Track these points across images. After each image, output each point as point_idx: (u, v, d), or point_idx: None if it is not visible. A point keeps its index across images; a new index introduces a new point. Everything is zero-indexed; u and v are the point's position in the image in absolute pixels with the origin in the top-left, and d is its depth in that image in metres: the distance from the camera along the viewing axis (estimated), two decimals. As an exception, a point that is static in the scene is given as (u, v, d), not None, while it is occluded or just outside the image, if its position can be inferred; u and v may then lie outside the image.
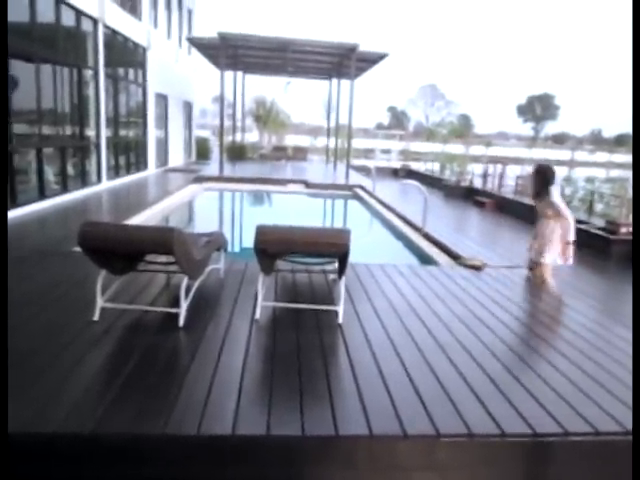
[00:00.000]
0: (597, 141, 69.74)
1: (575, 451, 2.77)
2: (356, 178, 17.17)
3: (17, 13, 8.17)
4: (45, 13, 9.19)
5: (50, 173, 9.67)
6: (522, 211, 13.07)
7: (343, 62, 18.38)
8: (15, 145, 8.15)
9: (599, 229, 9.02)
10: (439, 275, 5.82)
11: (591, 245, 8.82)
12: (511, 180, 15.58)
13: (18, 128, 8.28)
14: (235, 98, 24.15)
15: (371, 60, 17.96)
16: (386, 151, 34.70)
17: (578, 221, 10.28)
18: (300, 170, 19.42)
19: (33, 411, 2.61)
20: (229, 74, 21.32)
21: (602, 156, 49.96)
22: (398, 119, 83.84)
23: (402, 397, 2.96)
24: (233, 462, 2.57)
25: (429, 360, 3.50)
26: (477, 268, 6.18)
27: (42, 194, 9.11)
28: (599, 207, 12.74)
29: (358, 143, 34.42)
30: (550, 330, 4.26)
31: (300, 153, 25.52)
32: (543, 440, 2.69)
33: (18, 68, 8.31)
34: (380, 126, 77.83)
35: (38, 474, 2.51)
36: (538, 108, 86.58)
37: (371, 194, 13.55)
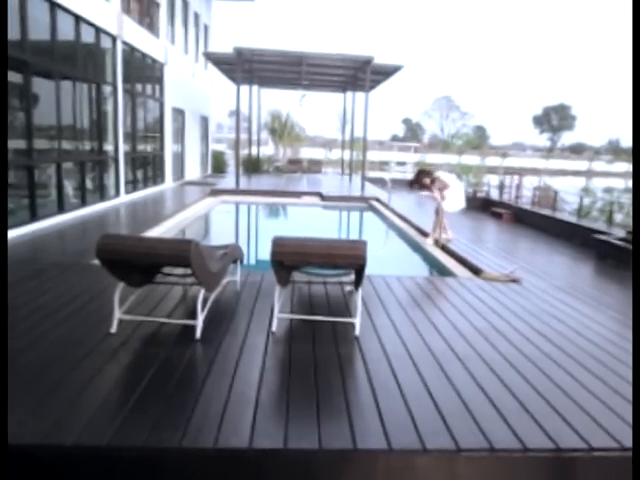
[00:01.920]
0: (615, 151, 68.88)
1: (600, 467, 2.70)
2: (372, 190, 17.16)
3: (38, 31, 8.36)
4: (65, 31, 9.39)
5: (69, 187, 9.81)
6: (540, 222, 12.93)
7: (358, 75, 18.46)
8: (35, 160, 8.29)
9: (619, 240, 8.89)
10: (457, 287, 5.76)
11: (611, 255, 8.69)
12: (528, 191, 15.46)
13: (39, 143, 8.43)
14: (251, 112, 24.35)
15: (386, 72, 18.00)
16: (401, 163, 34.68)
17: (598, 232, 10.16)
18: (315, 182, 19.47)
19: (50, 423, 2.61)
20: (245, 88, 21.50)
21: (620, 166, 49.34)
22: (413, 131, 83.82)
23: (421, 411, 2.92)
24: (250, 476, 2.54)
25: (448, 373, 3.45)
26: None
27: (61, 208, 9.23)
28: (619, 217, 12.57)
29: (373, 155, 34.42)
30: (571, 342, 4.18)
31: (315, 166, 25.58)
32: (566, 455, 2.63)
33: (39, 85, 8.48)
34: (395, 138, 77.90)
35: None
36: (554, 118, 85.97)
37: (387, 206, 13.51)
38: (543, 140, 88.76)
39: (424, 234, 9.26)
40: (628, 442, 2.69)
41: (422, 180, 8.64)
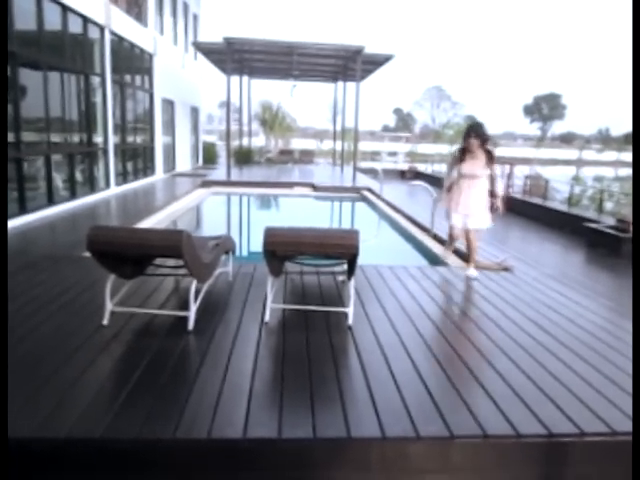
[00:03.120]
0: (605, 140, 69.22)
1: (592, 451, 2.73)
2: (363, 180, 17.14)
3: (25, 21, 8.23)
4: (52, 21, 9.25)
5: (59, 179, 9.72)
6: (531, 211, 12.99)
7: (349, 65, 18.37)
8: (24, 152, 8.19)
9: (610, 227, 8.95)
10: (449, 276, 5.78)
11: (602, 243, 8.75)
12: (519, 180, 15.51)
13: (27, 136, 8.33)
14: (241, 103, 24.19)
15: (377, 62, 17.94)
16: (393, 153, 34.66)
17: (589, 220, 10.23)
18: (307, 173, 19.42)
19: (43, 416, 2.60)
20: (235, 79, 21.35)
21: (610, 155, 49.62)
22: (404, 121, 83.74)
23: (414, 398, 2.93)
24: (244, 466, 2.54)
25: (441, 361, 3.47)
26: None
27: (51, 200, 9.15)
28: (609, 205, 12.65)
29: (364, 146, 34.41)
30: (563, 330, 4.21)
31: (307, 156, 25.51)
32: (559, 440, 2.65)
33: (26, 76, 8.37)
34: (386, 128, 77.87)
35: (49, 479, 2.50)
36: (545, 108, 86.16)
37: (379, 196, 13.51)
38: (534, 129, 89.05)
39: (420, 227, 9.24)
40: (620, 428, 2.71)
41: (470, 143, 5.58)
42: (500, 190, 5.77)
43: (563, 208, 12.63)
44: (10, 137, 7.83)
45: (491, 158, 5.61)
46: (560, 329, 4.23)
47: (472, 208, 5.63)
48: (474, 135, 5.50)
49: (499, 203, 5.69)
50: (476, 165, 5.58)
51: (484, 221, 5.70)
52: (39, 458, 2.48)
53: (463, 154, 5.63)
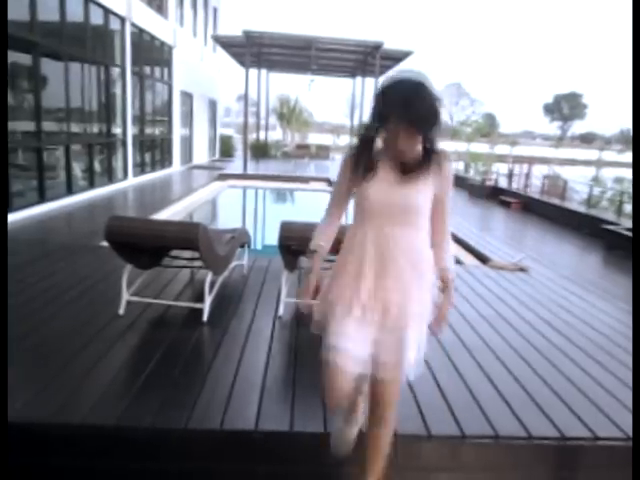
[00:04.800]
0: (626, 140, 68.13)
1: (604, 456, 2.70)
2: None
3: (47, 12, 8.31)
4: (74, 12, 9.33)
5: (77, 169, 9.83)
6: (549, 211, 12.85)
7: (367, 60, 18.30)
8: (44, 142, 8.29)
9: (628, 230, 8.83)
10: (464, 275, 5.75)
11: (620, 246, 8.63)
12: (537, 180, 15.35)
13: (47, 126, 8.42)
14: (259, 96, 24.22)
15: (396, 58, 17.83)
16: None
17: (607, 222, 10.08)
18: (323, 168, 19.40)
19: (58, 403, 2.63)
20: (253, 72, 21.38)
21: (631, 156, 48.84)
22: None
23: (426, 397, 2.92)
24: (256, 457, 2.56)
25: (454, 360, 3.45)
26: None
27: (70, 190, 9.26)
28: (628, 208, 12.46)
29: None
30: (579, 332, 4.17)
31: (323, 151, 25.50)
32: (571, 444, 2.63)
33: (47, 66, 8.45)
34: (404, 125, 77.15)
35: (62, 464, 2.54)
36: (565, 107, 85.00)
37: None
38: (553, 129, 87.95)
39: None
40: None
41: (397, 134, 1.91)
42: (450, 262, 2.20)
43: (581, 209, 12.48)
44: (31, 127, 7.93)
45: (442, 172, 2.08)
46: (575, 331, 4.19)
47: (395, 311, 2.05)
48: (412, 118, 1.87)
49: (445, 307, 2.16)
50: (407, 187, 2.03)
51: (414, 350, 2.07)
52: (50, 443, 2.51)
53: (370, 162, 2.06)
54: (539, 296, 5.11)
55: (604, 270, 6.48)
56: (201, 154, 20.53)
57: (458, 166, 20.75)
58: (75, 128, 9.61)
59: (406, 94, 1.84)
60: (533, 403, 2.93)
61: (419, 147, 1.97)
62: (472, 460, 2.64)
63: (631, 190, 14.21)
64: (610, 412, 2.88)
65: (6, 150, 6.48)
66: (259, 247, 8.36)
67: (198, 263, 4.19)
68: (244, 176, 15.69)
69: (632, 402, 3.02)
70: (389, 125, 1.89)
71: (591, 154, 46.62)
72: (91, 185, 10.27)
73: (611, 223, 9.91)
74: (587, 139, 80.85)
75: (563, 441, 2.62)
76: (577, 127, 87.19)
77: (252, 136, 24.68)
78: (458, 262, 6.56)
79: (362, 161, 2.04)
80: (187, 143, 18.52)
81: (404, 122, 1.84)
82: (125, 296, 3.91)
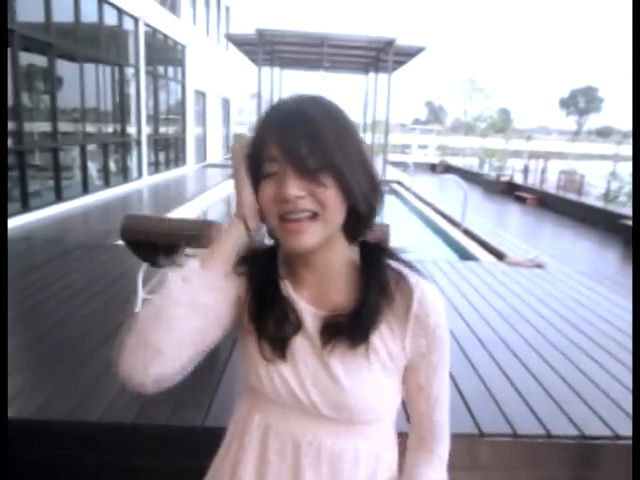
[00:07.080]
0: (644, 134, 66.92)
1: (625, 455, 2.66)
2: (393, 173, 17.02)
3: (62, 14, 8.39)
4: (89, 13, 9.41)
5: (93, 169, 9.92)
6: (566, 207, 12.71)
7: (380, 56, 18.19)
8: (60, 142, 8.38)
9: (648, 225, 8.69)
10: (480, 271, 5.70)
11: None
12: (553, 175, 15.18)
13: (63, 126, 8.51)
14: (272, 95, 24.23)
15: (409, 54, 17.70)
16: (423, 146, 34.30)
17: (625, 217, 9.93)
18: (336, 166, 19.35)
19: (76, 401, 2.65)
20: (266, 70, 21.39)
21: (650, 150, 47.96)
22: (436, 114, 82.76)
23: (443, 395, 2.89)
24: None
25: (471, 357, 3.42)
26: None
27: (85, 189, 9.35)
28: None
29: (395, 138, 34.08)
30: (596, 328, 4.11)
31: (336, 149, 25.37)
32: (591, 443, 2.59)
33: (63, 67, 8.53)
34: (417, 121, 76.98)
35: (79, 461, 2.56)
36: (581, 101, 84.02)
37: (408, 189, 13.40)
38: (569, 123, 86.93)
39: (450, 221, 9.13)
40: (655, 430, 2.64)
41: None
42: None
43: (599, 204, 12.32)
44: (47, 127, 8.02)
45: (420, 319, 0.93)
46: (594, 328, 4.13)
47: None
48: (315, 149, 0.85)
49: None
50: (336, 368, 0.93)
51: None
52: (67, 441, 2.54)
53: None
54: (556, 292, 5.06)
55: (622, 266, 6.39)
56: (215, 153, 20.61)
57: (472, 162, 20.58)
58: (90, 128, 9.70)
59: (294, 111, 0.91)
60: (551, 400, 2.90)
61: (344, 243, 0.99)
62: (491, 458, 2.62)
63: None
64: (630, 410, 2.83)
65: (6, 150, 6.55)
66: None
67: (213, 261, 4.20)
68: (258, 174, 15.71)
69: (632, 402, 2.97)
70: (265, 172, 0.91)
71: (608, 148, 45.91)
72: (106, 184, 10.36)
73: (629, 218, 9.77)
74: (604, 133, 79.82)
75: (583, 440, 2.58)
76: (593, 121, 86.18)
77: (265, 134, 24.66)
78: (474, 259, 6.51)
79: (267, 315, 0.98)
80: (201, 142, 18.60)
81: (290, 158, 0.86)
82: (141, 294, 3.93)
